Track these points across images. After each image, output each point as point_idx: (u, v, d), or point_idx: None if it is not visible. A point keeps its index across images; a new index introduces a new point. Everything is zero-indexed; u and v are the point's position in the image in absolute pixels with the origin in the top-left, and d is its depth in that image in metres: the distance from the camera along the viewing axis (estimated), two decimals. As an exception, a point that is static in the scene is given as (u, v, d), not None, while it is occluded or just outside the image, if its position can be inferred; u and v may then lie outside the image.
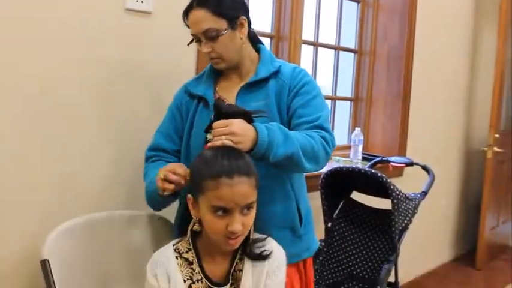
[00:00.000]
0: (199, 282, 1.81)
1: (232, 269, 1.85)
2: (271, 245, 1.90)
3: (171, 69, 2.76)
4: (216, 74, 2.33)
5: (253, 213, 1.76)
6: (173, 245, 1.86)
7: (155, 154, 2.35)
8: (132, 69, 2.61)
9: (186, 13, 2.17)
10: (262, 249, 1.86)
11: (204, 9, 2.10)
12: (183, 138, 2.29)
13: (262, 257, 1.85)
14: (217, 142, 1.80)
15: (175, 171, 1.97)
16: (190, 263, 1.83)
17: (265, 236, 1.90)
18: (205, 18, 2.10)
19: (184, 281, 1.79)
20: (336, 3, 4.45)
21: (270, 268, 1.86)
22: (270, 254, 1.86)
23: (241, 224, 1.70)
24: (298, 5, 3.71)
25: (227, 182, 1.67)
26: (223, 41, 2.14)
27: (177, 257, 1.82)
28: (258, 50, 2.33)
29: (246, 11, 2.21)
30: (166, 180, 1.97)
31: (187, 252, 1.84)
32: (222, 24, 2.11)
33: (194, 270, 1.82)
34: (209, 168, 1.71)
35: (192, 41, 2.22)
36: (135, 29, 2.60)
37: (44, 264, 1.94)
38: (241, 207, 1.70)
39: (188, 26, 2.19)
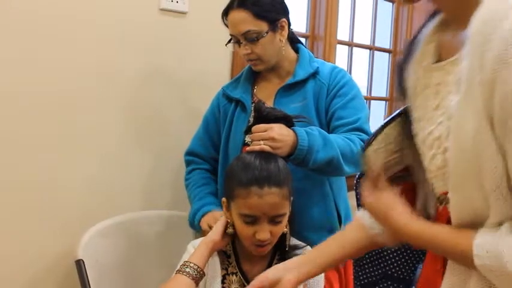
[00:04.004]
0: (234, 275, 1.83)
1: None
2: None
3: (205, 71, 2.75)
4: (254, 75, 2.31)
5: (283, 222, 1.75)
6: None
7: (191, 159, 2.38)
8: (165, 71, 2.60)
9: (226, 12, 2.15)
10: None
11: (245, 10, 2.08)
12: (221, 141, 2.29)
13: None
14: (256, 147, 1.80)
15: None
16: (228, 256, 1.85)
17: (304, 244, 1.90)
18: (245, 20, 2.08)
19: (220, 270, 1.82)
20: (370, 3, 4.42)
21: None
22: None
23: (270, 232, 1.70)
24: (333, 5, 3.69)
25: (257, 192, 1.67)
26: (263, 43, 2.12)
27: None
28: (297, 50, 2.30)
29: (286, 13, 2.19)
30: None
31: (225, 246, 1.86)
32: (263, 26, 2.09)
33: (231, 264, 1.84)
34: (241, 176, 1.71)
35: (229, 40, 2.20)
36: (170, 30, 2.59)
37: (79, 264, 1.96)
38: (269, 217, 1.69)
39: (227, 26, 2.17)
